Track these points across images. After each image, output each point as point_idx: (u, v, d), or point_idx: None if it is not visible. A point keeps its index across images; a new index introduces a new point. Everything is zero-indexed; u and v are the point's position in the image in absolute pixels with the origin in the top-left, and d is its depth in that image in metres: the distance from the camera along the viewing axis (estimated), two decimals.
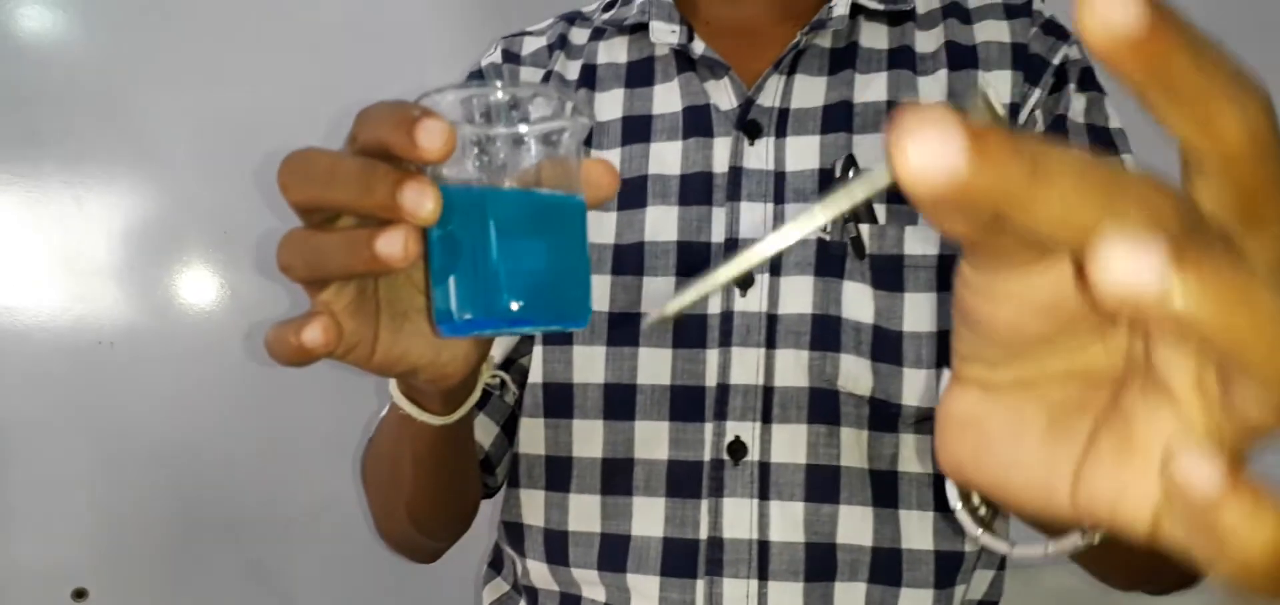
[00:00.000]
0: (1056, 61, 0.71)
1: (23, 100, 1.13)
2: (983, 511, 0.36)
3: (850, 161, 0.68)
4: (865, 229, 0.68)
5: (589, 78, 0.76)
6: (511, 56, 0.79)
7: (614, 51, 0.77)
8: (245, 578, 1.21)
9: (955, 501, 0.36)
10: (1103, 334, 0.24)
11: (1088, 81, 0.72)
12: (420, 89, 0.39)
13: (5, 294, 1.13)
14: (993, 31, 0.72)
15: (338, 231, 0.38)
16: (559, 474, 0.71)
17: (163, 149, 1.18)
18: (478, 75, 0.79)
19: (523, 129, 0.38)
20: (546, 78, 0.77)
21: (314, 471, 1.22)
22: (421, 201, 0.35)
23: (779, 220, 0.69)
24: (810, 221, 0.24)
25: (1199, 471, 0.20)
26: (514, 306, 0.38)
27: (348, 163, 0.37)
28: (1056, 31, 0.73)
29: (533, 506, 0.72)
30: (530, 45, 0.80)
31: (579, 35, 0.79)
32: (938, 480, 0.68)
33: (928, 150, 0.18)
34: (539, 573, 0.72)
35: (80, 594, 1.15)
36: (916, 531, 0.67)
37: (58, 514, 1.14)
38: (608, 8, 0.80)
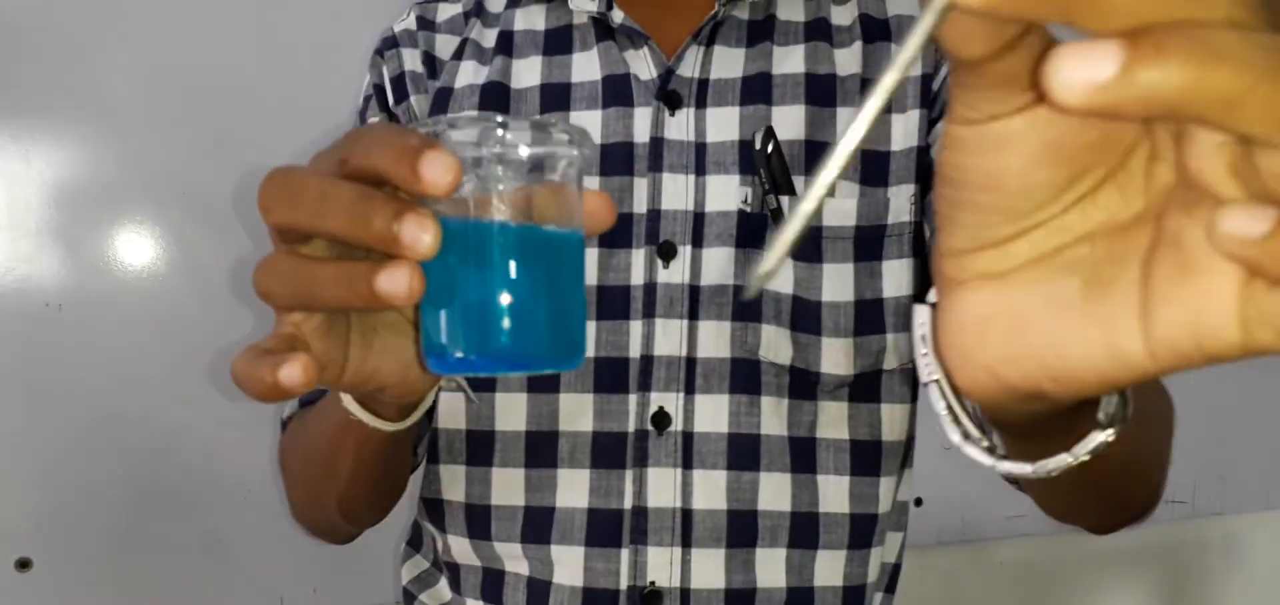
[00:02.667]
0: None
1: None
2: (986, 440, 0.34)
3: (769, 133, 0.69)
4: (785, 201, 0.69)
5: (506, 45, 0.75)
6: (426, 23, 0.78)
7: (531, 18, 0.76)
8: (196, 547, 1.19)
9: (955, 437, 0.34)
10: (1115, 175, 0.24)
11: None
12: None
13: None
14: (905, 4, 0.74)
15: (332, 263, 0.36)
16: (481, 448, 0.71)
17: (115, 104, 1.15)
18: (391, 41, 0.77)
19: (522, 157, 0.36)
20: (463, 45, 0.76)
21: (266, 440, 1.20)
22: (421, 235, 0.33)
23: (700, 192, 0.69)
24: (885, 89, 0.22)
25: (1247, 219, 0.20)
26: (510, 347, 0.36)
27: (342, 189, 0.34)
28: None
29: (453, 482, 0.72)
30: (445, 11, 0.78)
31: (495, 3, 0.78)
32: (855, 446, 0.70)
33: None
34: (460, 548, 0.73)
35: (24, 564, 1.12)
36: (833, 496, 0.70)
37: (0, 481, 1.11)
38: None
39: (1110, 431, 0.32)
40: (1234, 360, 0.22)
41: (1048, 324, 0.25)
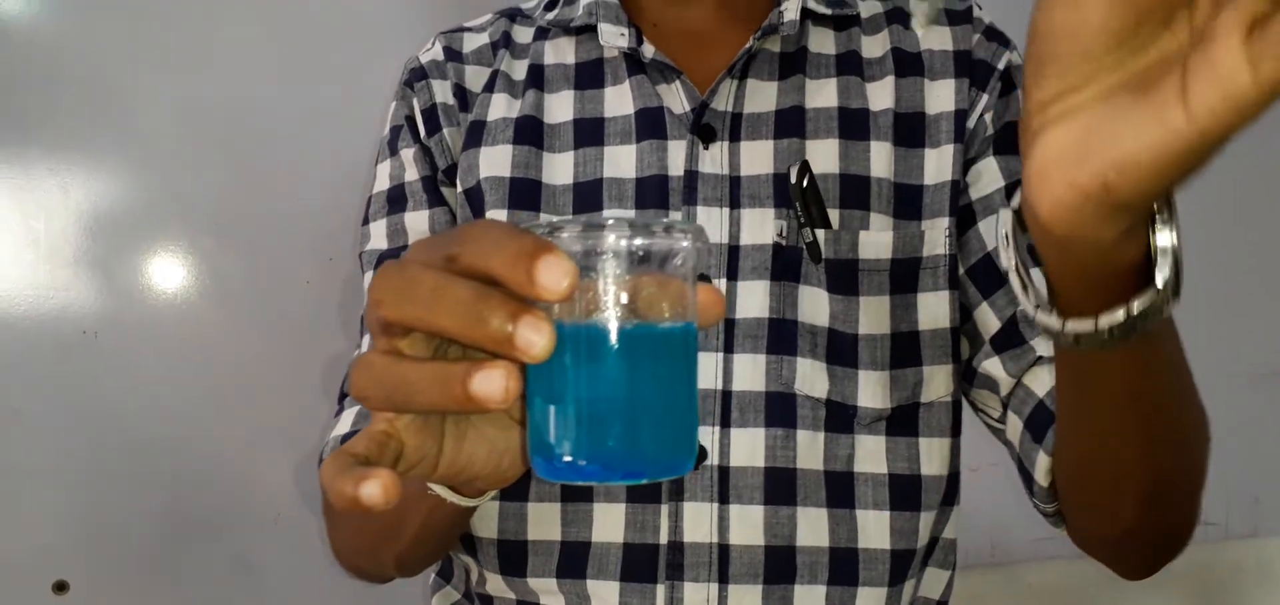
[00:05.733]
0: (1001, 66, 0.73)
1: (8, 86, 1.12)
2: (1041, 292, 0.41)
3: (805, 167, 0.68)
4: (821, 234, 0.68)
5: (537, 78, 0.75)
6: (454, 53, 0.78)
7: (561, 52, 0.76)
8: (229, 572, 1.20)
9: (1019, 292, 0.42)
10: (1170, 17, 0.30)
11: None
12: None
13: None
14: (936, 39, 0.74)
15: (427, 365, 0.35)
16: (515, 484, 0.71)
17: (150, 136, 1.17)
18: (420, 73, 0.77)
19: (636, 255, 0.35)
20: (493, 77, 0.76)
21: (297, 466, 1.22)
22: (535, 338, 0.32)
23: (735, 225, 0.69)
24: None
25: None
26: (621, 452, 0.35)
27: (457, 288, 0.34)
28: (998, 38, 0.74)
29: (485, 518, 0.71)
30: (472, 42, 0.79)
31: (522, 34, 0.78)
32: (893, 480, 0.69)
33: None
34: (494, 582, 0.72)
35: (61, 587, 1.14)
36: (873, 531, 0.68)
37: (39, 505, 1.13)
38: (550, 7, 0.79)
39: (1159, 285, 0.36)
40: (1258, 109, 0.27)
41: (1110, 127, 0.30)
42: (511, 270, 0.32)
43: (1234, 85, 0.27)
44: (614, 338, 0.35)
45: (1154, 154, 0.29)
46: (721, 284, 0.69)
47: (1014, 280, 0.41)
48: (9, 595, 1.12)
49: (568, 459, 0.35)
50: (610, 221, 0.35)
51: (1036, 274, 0.43)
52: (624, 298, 0.35)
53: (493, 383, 0.33)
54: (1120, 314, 0.37)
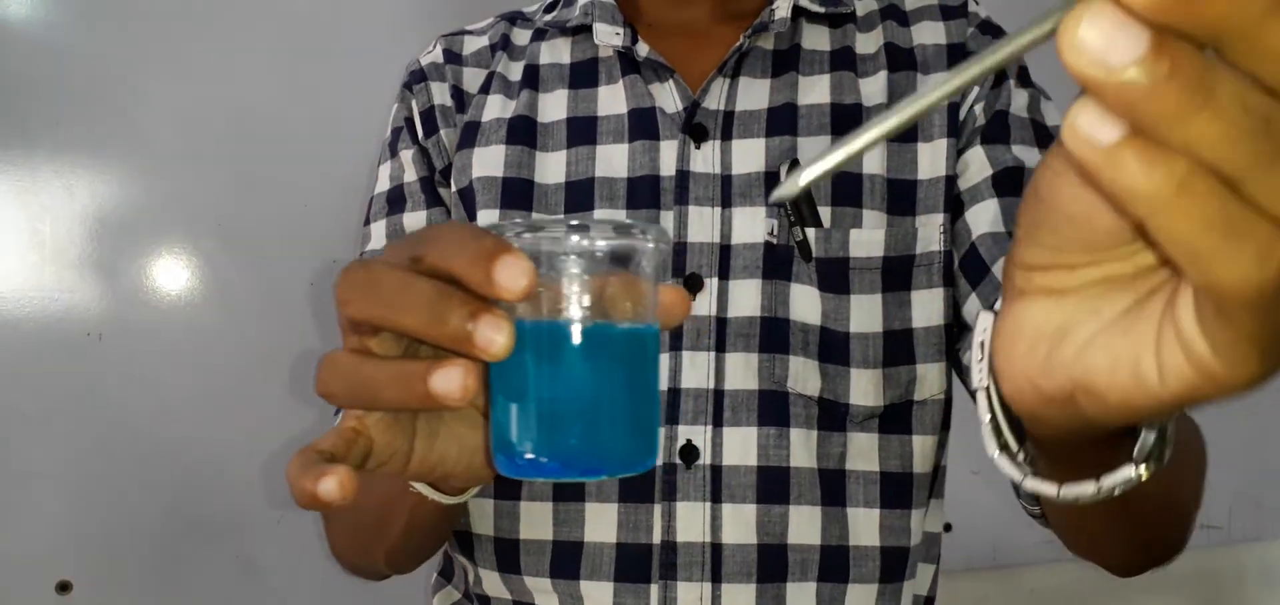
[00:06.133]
0: None
1: (14, 89, 1.13)
2: (1022, 452, 0.35)
3: (794, 164, 0.68)
4: (811, 233, 0.68)
5: (532, 78, 0.75)
6: (453, 56, 0.78)
7: (557, 52, 0.76)
8: (233, 574, 1.21)
9: (992, 450, 0.35)
10: None
11: (1027, 79, 0.73)
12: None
13: None
14: (929, 33, 0.73)
15: (390, 363, 0.36)
16: (508, 481, 0.71)
17: (155, 139, 1.18)
18: (419, 75, 0.78)
19: (598, 256, 0.36)
20: (489, 78, 0.77)
21: None
22: (494, 336, 0.33)
23: (726, 224, 0.69)
24: (960, 79, 0.23)
25: (1094, 119, 0.21)
26: (582, 449, 0.36)
27: (420, 286, 0.35)
28: (993, 30, 0.74)
29: (482, 515, 0.72)
30: (471, 45, 0.79)
31: (521, 36, 0.79)
32: (884, 478, 0.69)
33: None
34: (491, 581, 0.72)
35: (64, 587, 1.14)
36: (864, 528, 0.69)
37: (42, 506, 1.14)
38: (549, 9, 0.80)
39: (1142, 469, 0.32)
40: (1235, 394, 0.24)
41: (1087, 336, 0.26)
42: (471, 270, 0.33)
43: (1205, 365, 0.23)
44: (574, 337, 0.36)
45: (1122, 393, 0.26)
46: (713, 283, 0.69)
47: (981, 409, 0.35)
48: (12, 596, 1.13)
49: (529, 456, 0.36)
50: (573, 222, 0.35)
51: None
52: (585, 298, 0.36)
53: (451, 380, 0.34)
54: (1088, 488, 0.33)
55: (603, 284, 0.36)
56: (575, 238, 0.35)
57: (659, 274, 0.38)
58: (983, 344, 0.34)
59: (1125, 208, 0.21)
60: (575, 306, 0.36)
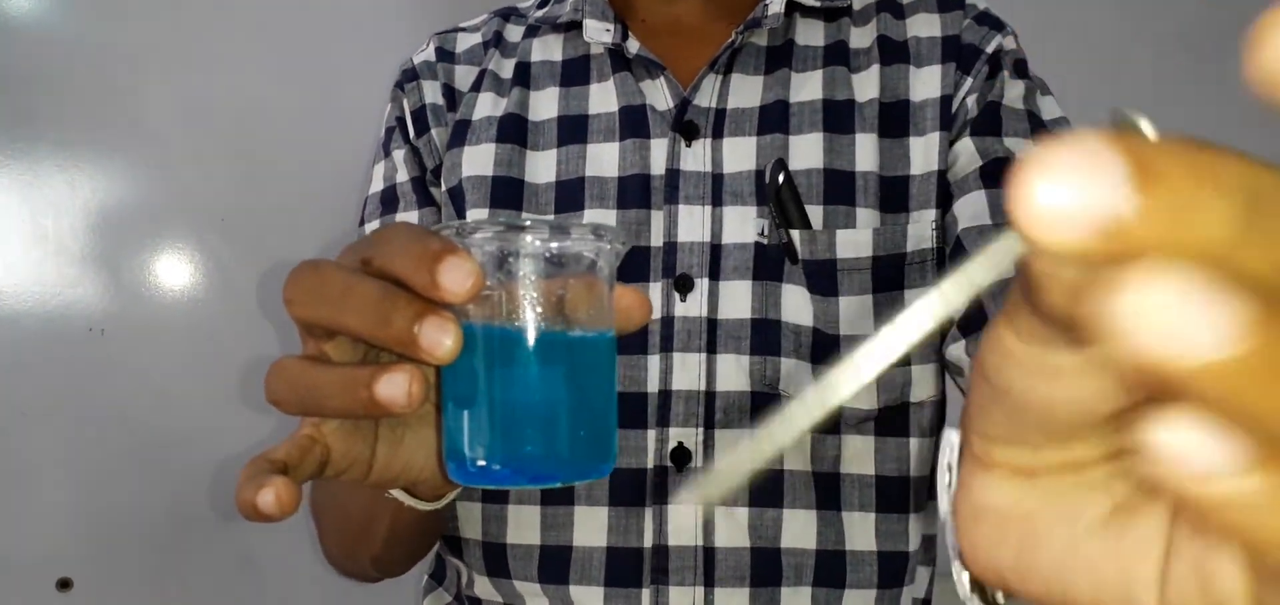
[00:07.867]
0: (990, 50, 0.70)
1: (17, 84, 1.13)
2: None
3: (779, 165, 0.67)
4: (796, 234, 0.67)
5: (523, 76, 0.74)
6: (446, 54, 0.77)
7: (549, 49, 0.75)
8: (234, 569, 1.21)
9: (965, 592, 0.28)
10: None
11: (1023, 71, 0.71)
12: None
13: None
14: (924, 26, 0.72)
15: (335, 370, 0.35)
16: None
17: (158, 135, 1.17)
18: (412, 74, 0.77)
19: (549, 257, 0.35)
20: (481, 76, 0.76)
21: None
22: (440, 339, 0.32)
23: (717, 223, 0.68)
24: (916, 323, 0.18)
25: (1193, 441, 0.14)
26: (535, 456, 0.35)
27: (365, 287, 0.34)
28: (990, 21, 0.72)
29: (470, 519, 0.71)
30: (464, 42, 0.78)
31: (514, 32, 0.78)
32: (880, 481, 0.68)
33: (1069, 185, 0.13)
34: (482, 584, 0.72)
35: (65, 584, 1.14)
36: (859, 533, 0.67)
37: (43, 502, 1.14)
38: (542, 4, 0.78)
39: None
40: None
41: (1064, 547, 0.22)
42: (416, 272, 0.32)
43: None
44: (525, 341, 0.35)
45: None
46: (704, 284, 0.68)
47: (957, 577, 0.28)
48: (13, 592, 1.13)
49: (480, 463, 0.35)
50: (527, 223, 0.34)
51: None
52: (537, 300, 0.35)
53: (396, 387, 0.33)
54: None
55: (555, 286, 0.35)
56: (527, 238, 0.34)
57: (613, 273, 0.37)
58: (950, 465, 0.28)
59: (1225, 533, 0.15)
60: (526, 309, 0.34)
